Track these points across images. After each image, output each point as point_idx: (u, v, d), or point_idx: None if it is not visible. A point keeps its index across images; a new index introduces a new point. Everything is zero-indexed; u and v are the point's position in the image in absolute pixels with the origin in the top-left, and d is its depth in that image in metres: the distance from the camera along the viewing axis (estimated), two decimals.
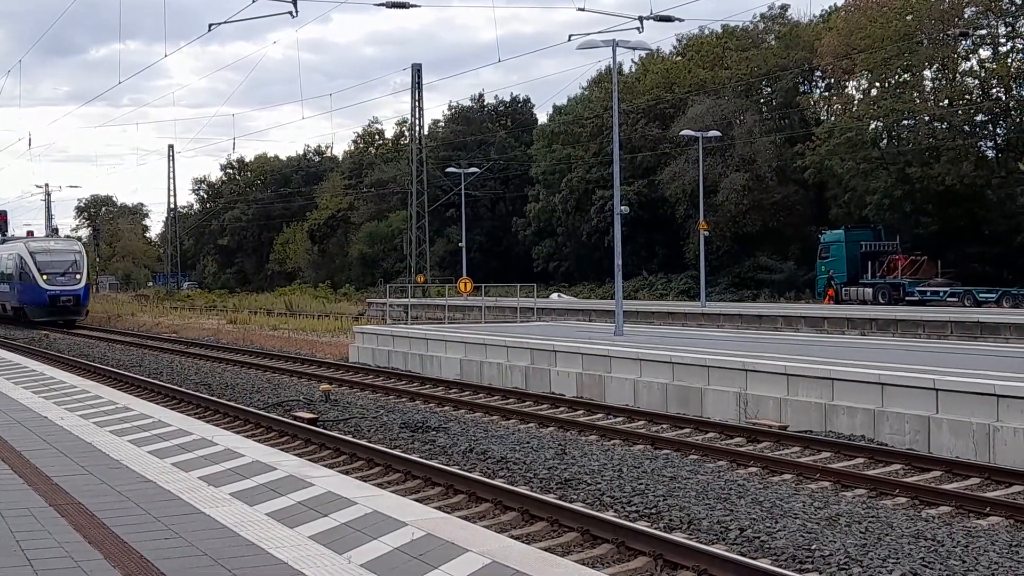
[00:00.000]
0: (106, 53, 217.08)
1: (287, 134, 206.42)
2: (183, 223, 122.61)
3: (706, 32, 78.87)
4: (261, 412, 21.75)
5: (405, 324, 44.48)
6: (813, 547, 11.33)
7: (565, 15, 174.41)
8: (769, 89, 74.15)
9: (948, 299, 53.13)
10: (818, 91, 74.12)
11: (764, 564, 10.36)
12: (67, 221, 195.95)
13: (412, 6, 31.59)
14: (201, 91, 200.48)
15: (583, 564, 10.08)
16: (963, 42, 59.77)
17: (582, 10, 33.98)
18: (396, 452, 17.03)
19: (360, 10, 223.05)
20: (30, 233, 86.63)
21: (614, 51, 31.99)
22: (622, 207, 31.86)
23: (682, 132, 60.60)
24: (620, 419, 20.65)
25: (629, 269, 58.07)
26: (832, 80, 69.94)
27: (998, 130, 61.83)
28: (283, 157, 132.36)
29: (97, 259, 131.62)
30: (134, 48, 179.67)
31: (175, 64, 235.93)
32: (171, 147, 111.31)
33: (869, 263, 58.72)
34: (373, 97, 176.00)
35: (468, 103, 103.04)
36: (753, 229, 70.30)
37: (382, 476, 15.65)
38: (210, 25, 43.88)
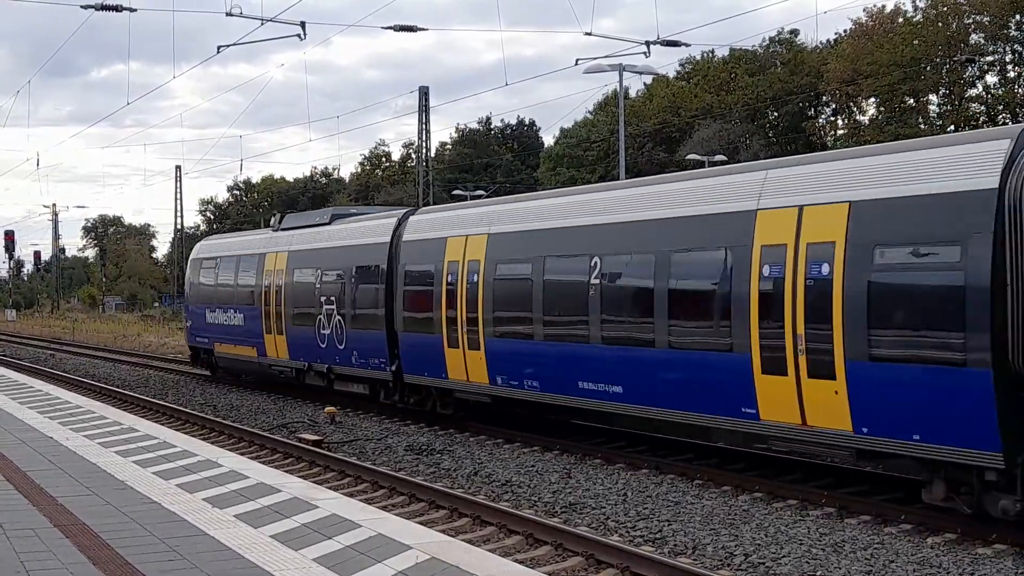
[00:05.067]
0: (108, 74, 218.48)
1: (290, 156, 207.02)
2: (189, 244, 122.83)
3: (711, 56, 79.00)
4: (266, 434, 21.74)
5: None
6: (818, 573, 11.31)
7: (566, 39, 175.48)
8: (776, 114, 74.22)
9: None
10: (824, 116, 74.20)
11: None
12: (74, 241, 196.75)
13: (420, 30, 31.71)
14: (203, 112, 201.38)
15: None
16: (969, 68, 59.87)
17: (589, 34, 34.19)
18: (401, 475, 17.02)
19: (362, 33, 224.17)
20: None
21: (620, 75, 32.13)
22: None
23: (688, 156, 60.70)
24: (623, 443, 20.57)
25: None
26: (838, 105, 70.01)
27: None
28: (290, 178, 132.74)
29: (104, 279, 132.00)
30: (136, 69, 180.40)
31: (178, 85, 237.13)
32: (178, 168, 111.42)
33: None
34: (376, 120, 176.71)
35: (475, 126, 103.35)
36: None
37: (387, 498, 15.64)
38: (219, 47, 44.04)
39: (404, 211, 25.28)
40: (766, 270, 14.57)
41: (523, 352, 19.74)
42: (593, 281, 17.76)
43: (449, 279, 21.49)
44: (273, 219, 32.05)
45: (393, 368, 23.56)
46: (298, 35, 27.76)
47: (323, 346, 26.32)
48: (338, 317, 25.77)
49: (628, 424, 19.30)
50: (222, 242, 36.78)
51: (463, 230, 21.65)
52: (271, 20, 28.31)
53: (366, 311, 24.94)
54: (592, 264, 17.77)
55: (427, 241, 22.76)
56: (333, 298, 26.07)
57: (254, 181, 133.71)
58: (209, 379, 34.94)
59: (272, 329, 29.08)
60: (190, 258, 37.43)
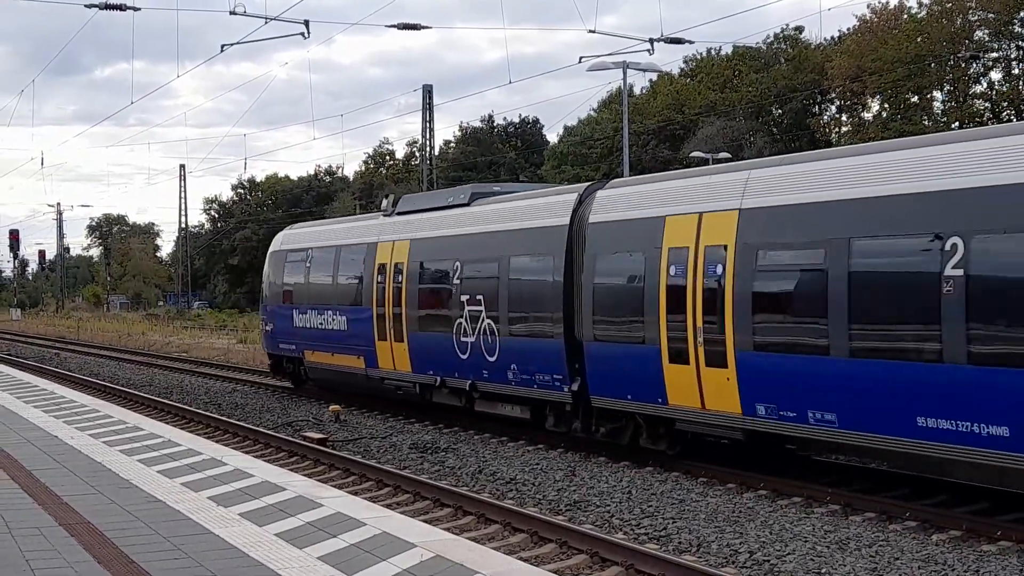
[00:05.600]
0: (112, 73, 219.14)
1: (294, 154, 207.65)
2: (194, 242, 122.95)
3: (715, 53, 79.00)
4: (271, 432, 21.76)
5: None
6: (823, 570, 11.30)
7: (569, 36, 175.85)
8: (780, 111, 74.23)
9: None
10: (828, 114, 74.21)
11: None
12: (78, 240, 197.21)
13: (423, 28, 31.73)
14: (207, 111, 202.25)
15: None
16: (974, 64, 59.85)
17: (592, 32, 34.15)
18: (405, 473, 17.04)
19: (364, 31, 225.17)
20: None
21: (624, 73, 32.11)
22: None
23: (692, 153, 60.65)
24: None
25: None
26: (843, 102, 70.00)
27: None
28: (294, 177, 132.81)
29: (108, 278, 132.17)
30: (140, 67, 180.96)
31: (181, 84, 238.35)
32: (183, 167, 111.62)
33: None
34: (379, 118, 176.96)
35: (478, 124, 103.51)
36: None
37: (391, 497, 15.65)
38: (222, 46, 44.11)
39: (585, 185, 20.05)
40: None
41: (809, 372, 14.42)
42: (950, 272, 12.62)
43: (672, 272, 16.36)
44: (385, 201, 26.79)
45: (574, 387, 18.46)
46: (302, 33, 27.81)
47: (464, 357, 21.22)
48: (487, 321, 20.54)
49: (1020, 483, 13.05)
50: (314, 230, 30.80)
51: (693, 206, 16.40)
52: (275, 19, 28.37)
53: (533, 314, 19.81)
54: (947, 248, 12.63)
55: (631, 223, 17.57)
56: (480, 297, 20.83)
57: (258, 180, 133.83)
58: (214, 377, 34.93)
59: (387, 335, 23.91)
60: (270, 251, 31.49)
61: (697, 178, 17.47)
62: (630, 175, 32.28)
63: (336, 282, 26.93)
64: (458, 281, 21.60)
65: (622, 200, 18.19)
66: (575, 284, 18.51)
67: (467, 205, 22.52)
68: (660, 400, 16.66)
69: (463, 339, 21.21)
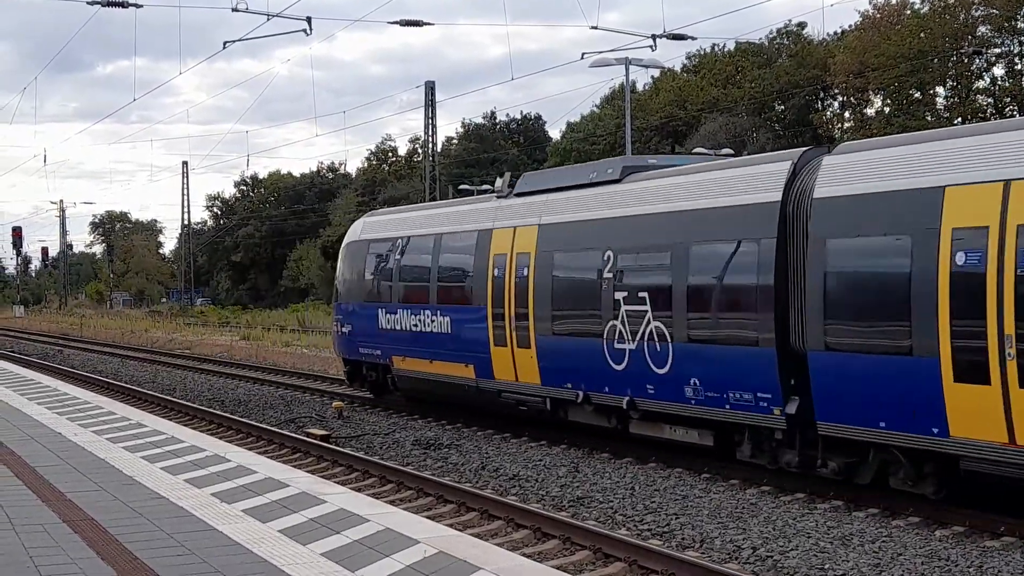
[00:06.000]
0: (114, 70, 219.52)
1: (296, 151, 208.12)
2: (196, 239, 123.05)
3: (718, 49, 79.01)
4: (274, 429, 21.76)
5: None
6: (826, 566, 11.30)
7: (572, 32, 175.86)
8: (782, 107, 74.22)
9: None
10: (831, 110, 74.19)
11: None
12: (81, 237, 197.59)
13: (425, 24, 31.77)
14: (209, 108, 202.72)
15: None
16: (977, 60, 59.81)
17: (595, 28, 34.13)
18: (408, 469, 17.04)
19: (366, 28, 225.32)
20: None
21: (627, 69, 32.11)
22: None
23: (695, 150, 60.51)
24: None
25: None
26: (845, 98, 69.97)
27: None
28: (296, 174, 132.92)
29: (111, 275, 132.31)
30: (142, 65, 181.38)
31: (183, 81, 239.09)
32: (185, 164, 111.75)
33: None
34: (381, 115, 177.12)
35: (480, 120, 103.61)
36: None
37: (394, 493, 15.66)
38: (225, 43, 44.07)
39: (799, 151, 15.87)
40: None
41: None
42: None
43: (959, 261, 12.31)
44: (499, 181, 22.94)
45: (789, 409, 14.63)
46: (304, 30, 27.86)
47: (619, 367, 17.55)
48: (655, 324, 16.76)
49: None
50: (403, 217, 26.62)
51: (992, 171, 12.26)
52: (277, 15, 28.38)
53: (726, 315, 16.05)
54: None
55: (885, 196, 13.45)
56: (643, 294, 17.07)
57: (261, 176, 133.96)
58: (217, 374, 34.89)
59: (507, 339, 20.17)
60: (347, 241, 27.66)
61: (993, 135, 12.91)
62: None
63: (436, 276, 23.03)
64: (610, 275, 17.84)
65: (865, 167, 13.98)
66: (792, 277, 14.70)
67: (618, 182, 18.62)
68: (936, 430, 12.67)
69: (618, 346, 17.55)
